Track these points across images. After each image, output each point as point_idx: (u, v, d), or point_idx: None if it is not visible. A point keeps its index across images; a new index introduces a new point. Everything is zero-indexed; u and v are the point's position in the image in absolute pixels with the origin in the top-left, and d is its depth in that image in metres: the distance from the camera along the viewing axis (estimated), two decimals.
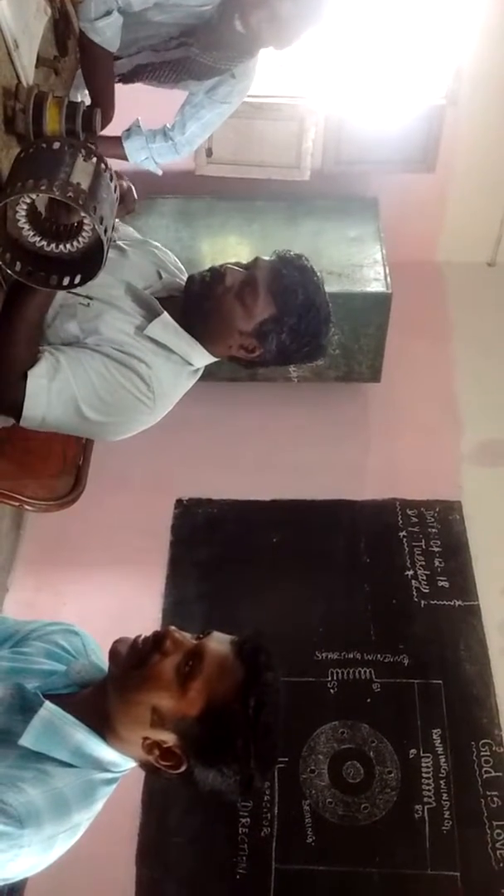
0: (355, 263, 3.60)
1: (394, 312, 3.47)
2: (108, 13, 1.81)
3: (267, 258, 1.56)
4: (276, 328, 1.51)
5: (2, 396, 1.44)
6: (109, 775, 1.18)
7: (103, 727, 1.17)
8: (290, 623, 3.07)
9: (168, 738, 1.15)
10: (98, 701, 1.19)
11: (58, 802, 1.09)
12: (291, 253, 1.57)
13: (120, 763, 1.19)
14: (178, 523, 3.38)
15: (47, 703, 1.15)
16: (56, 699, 1.18)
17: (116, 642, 1.21)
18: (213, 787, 1.16)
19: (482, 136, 3.89)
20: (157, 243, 1.79)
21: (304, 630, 3.06)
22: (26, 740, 1.12)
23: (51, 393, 1.43)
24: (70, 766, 1.14)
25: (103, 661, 1.27)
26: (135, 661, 1.17)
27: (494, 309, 4.13)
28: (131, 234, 1.79)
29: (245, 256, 3.83)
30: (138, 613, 3.07)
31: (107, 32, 1.83)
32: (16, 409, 1.44)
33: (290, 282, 1.52)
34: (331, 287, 3.39)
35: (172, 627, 1.22)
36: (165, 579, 3.21)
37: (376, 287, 3.48)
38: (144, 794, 2.70)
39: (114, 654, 1.20)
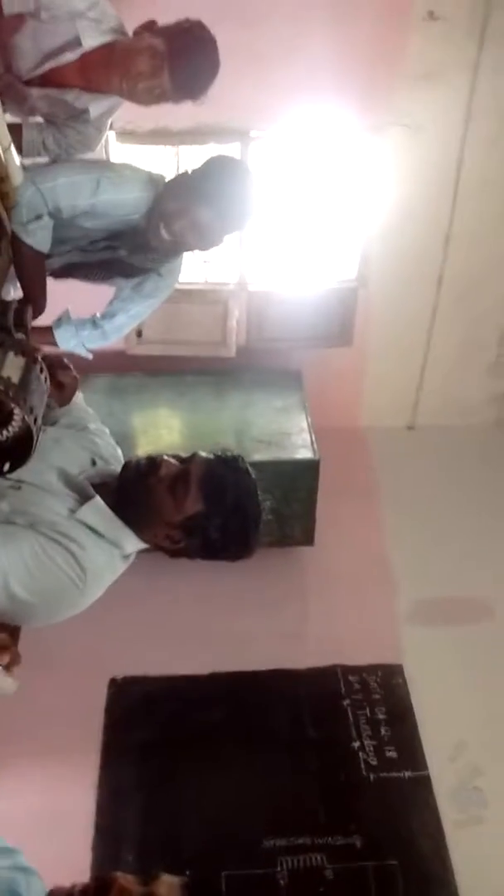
0: (283, 431, 3.73)
1: (323, 477, 3.56)
2: (39, 217, 1.94)
3: (204, 454, 1.59)
4: (203, 524, 1.53)
5: None
6: None
7: None
8: (234, 809, 2.89)
9: None
10: None
11: None
12: (230, 453, 1.61)
13: None
14: (111, 704, 3.22)
15: None
16: None
17: (52, 894, 1.10)
18: None
19: (392, 313, 4.20)
20: (101, 427, 1.83)
21: (249, 815, 2.89)
22: None
23: None
24: None
25: None
26: None
27: (417, 470, 4.30)
28: (78, 418, 1.82)
29: (177, 428, 3.95)
30: (70, 809, 2.85)
31: (38, 234, 1.94)
32: None
33: (222, 482, 1.54)
34: (260, 455, 3.52)
35: (118, 874, 1.11)
36: (99, 769, 3.02)
37: (304, 454, 3.59)
38: None
39: None
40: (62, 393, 1.60)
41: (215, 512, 1.52)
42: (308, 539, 3.73)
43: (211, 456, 1.58)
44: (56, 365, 1.58)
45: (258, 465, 1.62)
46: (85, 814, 2.86)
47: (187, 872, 1.15)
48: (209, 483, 1.53)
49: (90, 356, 2.32)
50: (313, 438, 3.68)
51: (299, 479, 3.58)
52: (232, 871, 2.73)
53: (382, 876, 2.77)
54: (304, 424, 3.78)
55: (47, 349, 1.64)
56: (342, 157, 3.84)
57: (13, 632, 1.82)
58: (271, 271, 4.13)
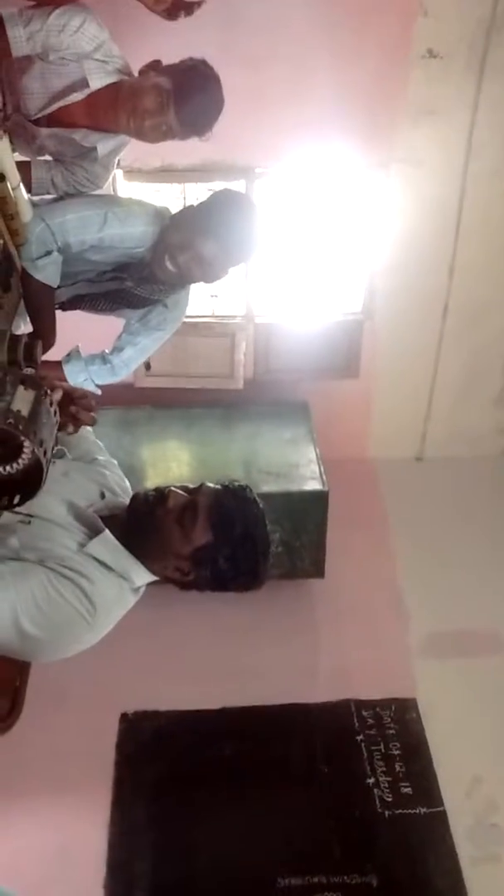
0: (291, 463, 3.73)
1: (332, 508, 3.55)
2: (49, 253, 1.97)
3: (212, 485, 1.60)
4: (212, 555, 1.52)
5: None
6: None
7: None
8: (247, 846, 2.85)
9: None
10: None
11: None
12: (237, 483, 1.61)
13: None
14: (123, 740, 3.19)
15: None
16: None
17: None
18: None
19: (398, 345, 4.22)
20: (110, 459, 1.83)
21: (263, 854, 2.84)
22: None
23: None
24: None
25: None
26: None
27: (426, 501, 4.28)
28: (86, 451, 1.83)
29: (185, 460, 3.96)
30: (82, 847, 2.81)
31: (47, 270, 1.98)
32: None
33: (230, 512, 1.54)
34: (269, 487, 3.52)
35: None
36: (111, 805, 2.98)
37: (313, 485, 3.59)
38: None
39: None
40: (82, 421, 1.61)
41: (224, 542, 1.52)
42: (318, 571, 3.71)
43: (218, 486, 1.59)
44: (81, 404, 1.59)
45: (267, 497, 1.62)
46: (97, 851, 2.81)
47: None
48: (217, 513, 1.52)
49: (99, 392, 2.33)
50: (322, 470, 3.67)
51: (308, 511, 3.57)
52: None
53: None
54: (313, 456, 3.78)
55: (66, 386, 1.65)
56: (346, 193, 3.89)
57: (22, 668, 1.81)
58: (278, 304, 4.17)
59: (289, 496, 3.51)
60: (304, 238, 4.00)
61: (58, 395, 1.46)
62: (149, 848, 2.84)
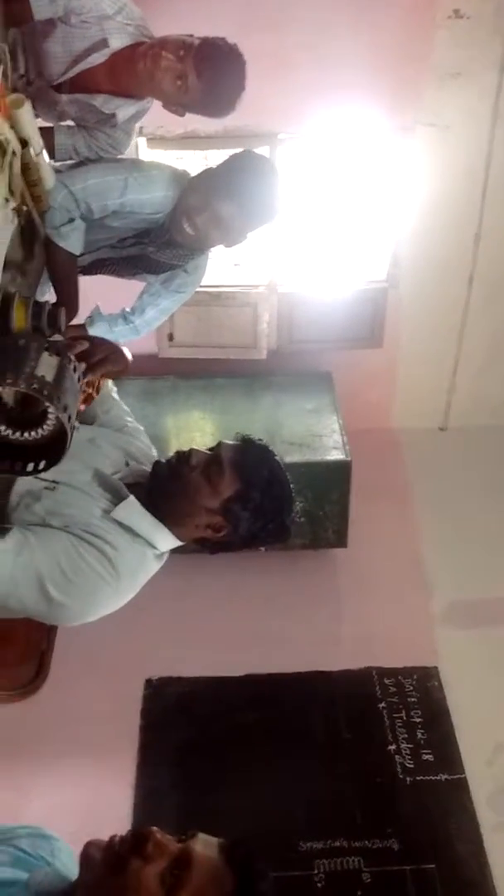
0: (314, 433, 3.72)
1: (355, 478, 3.55)
2: (72, 220, 1.97)
3: (230, 441, 1.62)
4: (242, 504, 1.53)
5: None
6: None
7: None
8: (270, 810, 2.89)
9: None
10: None
11: None
12: (252, 436, 1.63)
13: None
14: (148, 705, 3.24)
15: None
16: None
17: (88, 845, 1.07)
18: None
19: (423, 313, 4.18)
20: (137, 426, 1.84)
21: (285, 817, 2.88)
22: None
23: (16, 568, 1.41)
24: None
25: (70, 869, 1.12)
26: (111, 867, 1.04)
27: (450, 471, 4.26)
28: (115, 417, 1.84)
29: (209, 430, 3.97)
30: (108, 808, 2.87)
31: (70, 237, 1.97)
32: None
33: (254, 459, 1.57)
34: (292, 457, 3.52)
35: (154, 829, 1.09)
36: (136, 768, 3.03)
37: (336, 455, 3.58)
38: None
39: (87, 859, 1.06)
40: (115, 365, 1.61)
41: (252, 487, 1.53)
42: (341, 541, 3.71)
43: (237, 440, 1.61)
44: (112, 350, 1.59)
45: (290, 467, 1.62)
46: (122, 812, 2.88)
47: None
48: (241, 462, 1.55)
49: None
50: (345, 440, 3.67)
51: (331, 481, 3.57)
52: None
53: (420, 880, 2.75)
54: (336, 426, 3.77)
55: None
56: (371, 158, 3.83)
57: (49, 632, 1.84)
58: (301, 274, 4.13)
59: (312, 466, 3.51)
60: (327, 205, 3.95)
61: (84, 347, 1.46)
62: (172, 810, 2.89)
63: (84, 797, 2.89)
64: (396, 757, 3.08)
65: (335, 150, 3.77)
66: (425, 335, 4.26)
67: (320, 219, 3.98)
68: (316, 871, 2.76)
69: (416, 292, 4.11)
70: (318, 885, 2.73)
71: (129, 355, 1.64)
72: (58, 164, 2.08)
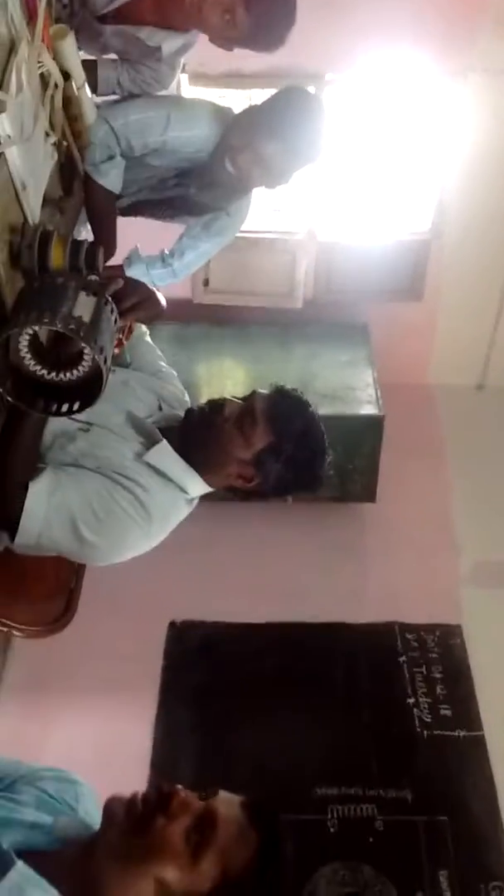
0: (348, 386, 3.68)
1: (387, 433, 3.52)
2: (112, 157, 1.93)
3: (264, 391, 1.60)
4: (274, 456, 1.53)
5: (0, 509, 1.43)
6: None
7: (88, 895, 1.02)
8: (286, 755, 2.94)
9: None
10: (85, 863, 1.04)
11: None
12: (286, 387, 1.61)
13: None
14: (170, 647, 3.29)
15: (19, 865, 1.00)
16: (36, 857, 1.04)
17: (111, 801, 1.07)
18: None
19: (466, 266, 4.06)
20: (171, 371, 1.83)
21: (301, 763, 2.93)
22: None
23: (49, 508, 1.43)
24: None
25: (94, 816, 1.13)
26: (135, 824, 1.03)
27: (485, 431, 4.20)
28: (149, 362, 1.82)
29: (241, 379, 3.94)
30: (128, 744, 2.94)
31: (110, 174, 1.94)
32: (12, 524, 1.43)
33: (288, 411, 1.55)
34: (325, 409, 3.45)
35: (179, 787, 1.09)
36: (156, 707, 3.10)
37: (369, 409, 3.55)
38: None
39: (109, 815, 1.05)
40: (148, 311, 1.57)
41: (285, 441, 1.53)
42: (370, 496, 3.70)
43: (271, 390, 1.59)
44: (147, 295, 1.56)
45: (321, 420, 1.60)
46: (142, 749, 2.94)
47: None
48: (275, 414, 1.54)
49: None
50: (378, 394, 3.62)
51: (363, 436, 3.54)
52: (283, 816, 2.78)
53: (432, 831, 2.79)
54: (370, 380, 3.73)
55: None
56: (420, 103, 3.70)
57: (78, 571, 1.86)
58: (342, 221, 4.03)
59: (344, 420, 3.48)
60: (372, 152, 3.83)
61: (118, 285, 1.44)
62: (191, 750, 2.96)
63: (104, 733, 2.97)
64: (415, 710, 3.11)
65: (383, 94, 3.64)
66: (467, 290, 4.15)
67: (364, 166, 3.86)
68: (329, 816, 2.82)
69: (459, 245, 3.99)
70: (331, 829, 2.79)
71: (163, 301, 1.61)
72: (99, 99, 2.03)
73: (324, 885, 2.65)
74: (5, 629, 1.72)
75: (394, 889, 2.65)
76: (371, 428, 3.52)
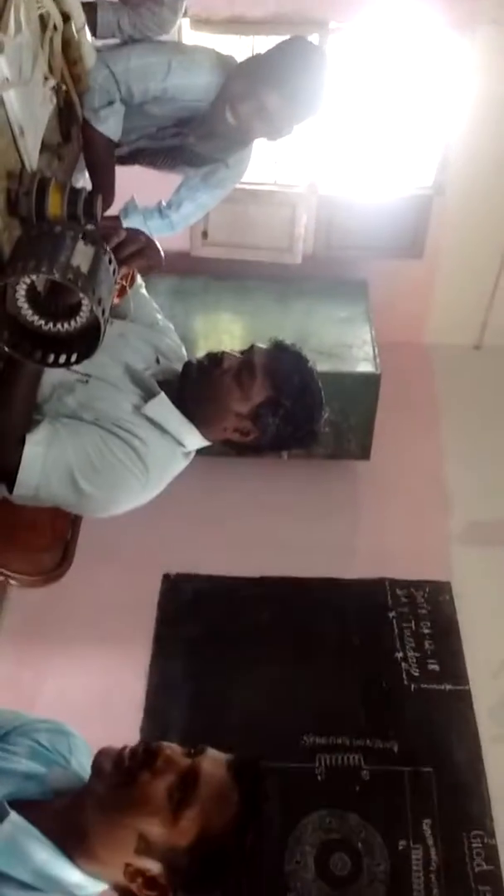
0: (345, 344, 3.66)
1: (383, 392, 3.52)
2: (111, 103, 1.89)
3: (263, 345, 1.59)
4: (272, 411, 1.53)
5: None
6: None
7: (77, 844, 1.07)
8: (277, 704, 3.00)
9: (153, 866, 1.05)
10: (74, 814, 1.08)
11: None
12: (285, 341, 1.61)
13: (87, 887, 1.08)
14: (164, 599, 3.33)
15: (12, 816, 1.06)
16: (28, 807, 1.09)
17: (100, 754, 1.10)
18: None
19: (468, 225, 4.02)
20: (168, 324, 1.81)
21: (290, 713, 2.99)
22: None
23: (47, 460, 1.43)
24: (31, 888, 1.04)
25: (86, 768, 1.16)
26: (121, 778, 1.07)
27: (481, 391, 4.20)
28: (146, 314, 1.80)
29: (237, 334, 3.93)
30: (121, 693, 2.99)
31: (109, 121, 1.90)
32: (10, 476, 1.44)
33: (287, 366, 1.55)
34: (321, 366, 3.42)
35: (164, 743, 1.12)
36: (150, 658, 3.14)
37: (365, 367, 3.54)
38: None
39: (98, 768, 1.09)
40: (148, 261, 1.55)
41: (283, 396, 1.52)
42: (364, 454, 3.71)
43: (270, 344, 1.58)
44: (146, 244, 1.54)
45: (318, 376, 1.60)
46: (135, 698, 2.99)
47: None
48: (274, 368, 1.53)
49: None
50: (376, 352, 3.61)
51: (359, 393, 3.53)
52: (271, 763, 2.85)
53: (417, 781, 2.86)
54: (368, 337, 3.71)
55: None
56: (425, 55, 3.61)
57: (74, 522, 1.88)
58: (344, 175, 3.97)
59: (340, 377, 3.46)
60: (375, 104, 3.76)
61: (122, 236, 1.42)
62: (183, 699, 3.01)
63: (99, 681, 3.02)
64: (403, 664, 3.16)
65: (387, 44, 3.55)
66: (468, 248, 4.12)
67: (367, 118, 3.79)
68: (317, 765, 2.88)
69: (462, 201, 3.94)
70: (319, 777, 2.86)
71: (161, 252, 1.59)
72: (99, 43, 1.98)
73: (310, 831, 2.73)
74: (2, 577, 1.74)
75: (378, 836, 2.73)
76: (367, 386, 3.51)
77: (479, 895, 2.63)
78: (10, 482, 1.44)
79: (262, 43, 3.54)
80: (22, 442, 1.42)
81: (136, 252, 1.47)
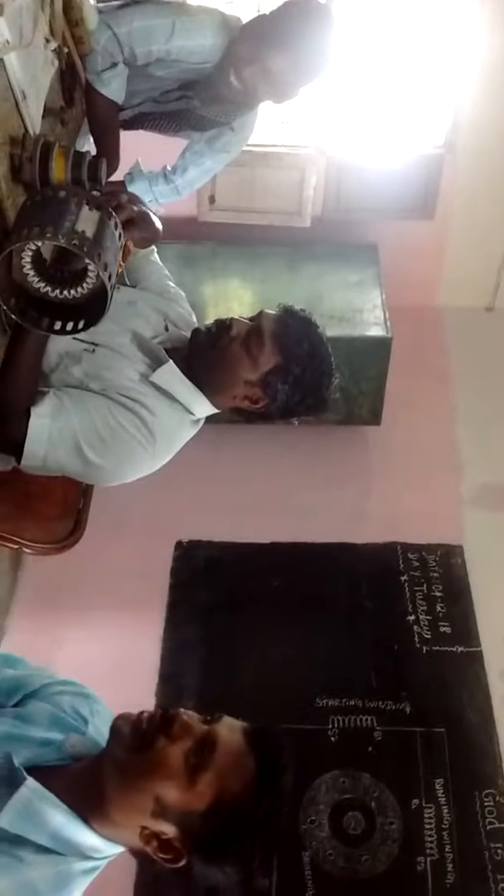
0: (355, 308, 3.63)
1: (394, 356, 3.49)
2: (114, 65, 1.86)
3: (271, 311, 1.57)
4: (282, 378, 1.51)
5: (4, 433, 1.44)
6: (90, 864, 1.10)
7: (93, 808, 1.09)
8: (290, 668, 3.04)
9: (169, 829, 1.06)
10: (91, 778, 1.10)
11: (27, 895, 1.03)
12: (295, 307, 1.59)
13: (103, 849, 1.10)
14: (177, 566, 3.36)
15: (29, 781, 1.08)
16: (46, 772, 1.11)
17: (118, 718, 1.12)
18: (211, 884, 1.08)
19: (480, 184, 3.95)
20: (179, 291, 1.80)
21: (304, 676, 3.02)
22: (3, 820, 1.05)
23: (52, 431, 1.43)
24: (49, 851, 1.06)
25: (105, 735, 1.17)
26: (138, 742, 1.08)
27: (493, 353, 4.16)
28: (156, 281, 1.78)
29: (247, 300, 3.90)
30: (136, 659, 3.03)
31: (112, 83, 1.87)
32: (17, 447, 1.44)
33: (296, 332, 1.53)
34: (331, 331, 3.42)
35: (182, 710, 1.14)
36: (164, 623, 3.18)
37: (376, 331, 3.51)
38: (137, 885, 2.50)
39: (116, 732, 1.10)
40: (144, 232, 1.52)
41: (292, 362, 1.51)
42: (375, 419, 3.70)
43: (279, 310, 1.57)
44: (144, 217, 1.51)
45: (328, 341, 1.58)
46: (150, 664, 3.03)
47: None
48: (283, 335, 1.51)
49: (162, 210, 2.28)
50: (387, 316, 3.58)
51: (370, 358, 3.51)
52: (285, 725, 2.89)
53: (429, 741, 2.89)
54: (378, 301, 3.67)
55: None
56: (435, 12, 3.52)
57: (86, 491, 1.88)
58: (353, 136, 3.90)
59: (351, 341, 3.44)
60: (385, 62, 3.68)
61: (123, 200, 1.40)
62: (197, 664, 3.05)
63: (114, 648, 3.06)
64: (415, 627, 3.18)
65: (396, 1, 3.47)
66: (479, 208, 4.05)
67: (376, 77, 3.72)
68: (330, 727, 2.92)
69: (473, 161, 3.87)
70: (332, 738, 2.90)
71: (158, 224, 1.56)
72: (101, 4, 1.94)
73: (324, 791, 2.77)
74: (16, 546, 1.75)
75: (391, 796, 2.77)
76: (378, 350, 3.49)
77: (491, 852, 2.67)
78: (18, 454, 1.45)
79: (269, 2, 3.46)
80: (27, 413, 1.42)
81: (126, 221, 1.44)
